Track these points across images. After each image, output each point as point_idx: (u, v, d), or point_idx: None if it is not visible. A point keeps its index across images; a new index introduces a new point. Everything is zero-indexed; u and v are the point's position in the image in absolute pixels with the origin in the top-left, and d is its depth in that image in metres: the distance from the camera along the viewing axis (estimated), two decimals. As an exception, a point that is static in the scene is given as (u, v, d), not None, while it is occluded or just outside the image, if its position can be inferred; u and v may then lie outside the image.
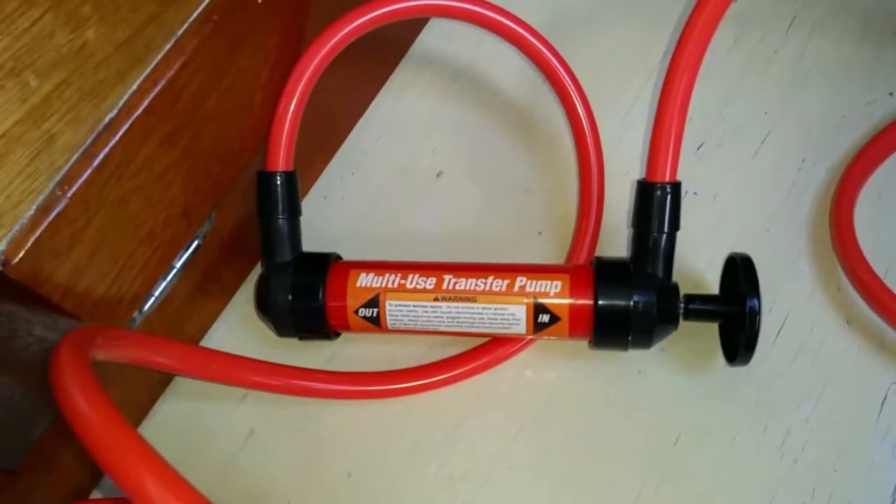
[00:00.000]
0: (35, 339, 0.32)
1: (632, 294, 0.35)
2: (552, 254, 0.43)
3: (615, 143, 0.44)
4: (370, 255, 0.40)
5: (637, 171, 0.44)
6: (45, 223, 0.29)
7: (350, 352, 0.41)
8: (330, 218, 0.45)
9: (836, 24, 0.47)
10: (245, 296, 0.43)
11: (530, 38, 0.39)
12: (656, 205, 0.35)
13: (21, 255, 0.28)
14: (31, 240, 0.28)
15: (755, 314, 0.35)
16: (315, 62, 0.37)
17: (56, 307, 0.31)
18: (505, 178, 0.45)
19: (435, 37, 0.49)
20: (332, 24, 0.37)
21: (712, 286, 0.41)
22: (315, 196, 0.45)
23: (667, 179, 0.35)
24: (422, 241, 0.44)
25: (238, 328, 0.42)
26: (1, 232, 0.28)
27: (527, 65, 0.47)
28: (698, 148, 0.44)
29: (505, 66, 0.48)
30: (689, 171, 0.44)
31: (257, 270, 0.43)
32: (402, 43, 0.48)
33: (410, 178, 0.45)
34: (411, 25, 0.49)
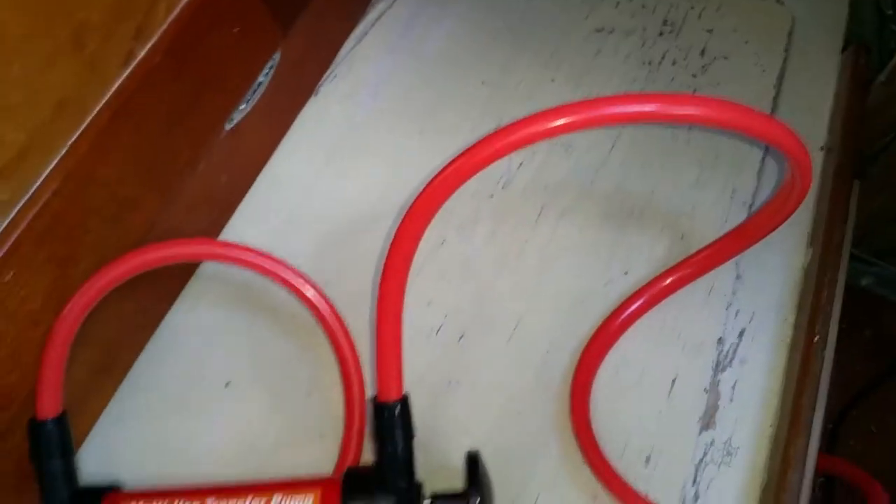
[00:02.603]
0: None
1: (375, 499, 0.39)
2: (332, 454, 0.46)
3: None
4: (162, 474, 0.43)
5: (410, 366, 0.48)
6: None
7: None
8: (121, 440, 0.47)
9: (580, 209, 0.54)
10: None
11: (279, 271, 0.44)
12: (390, 421, 0.40)
13: None
14: None
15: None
16: (72, 317, 0.40)
17: None
18: (289, 383, 0.49)
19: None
20: (83, 285, 0.41)
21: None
22: (105, 420, 0.48)
23: (396, 398, 0.40)
24: (209, 452, 0.47)
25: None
26: None
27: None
28: (459, 339, 0.49)
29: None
30: (453, 361, 0.48)
31: None
32: (188, 265, 0.53)
33: (200, 389, 0.49)
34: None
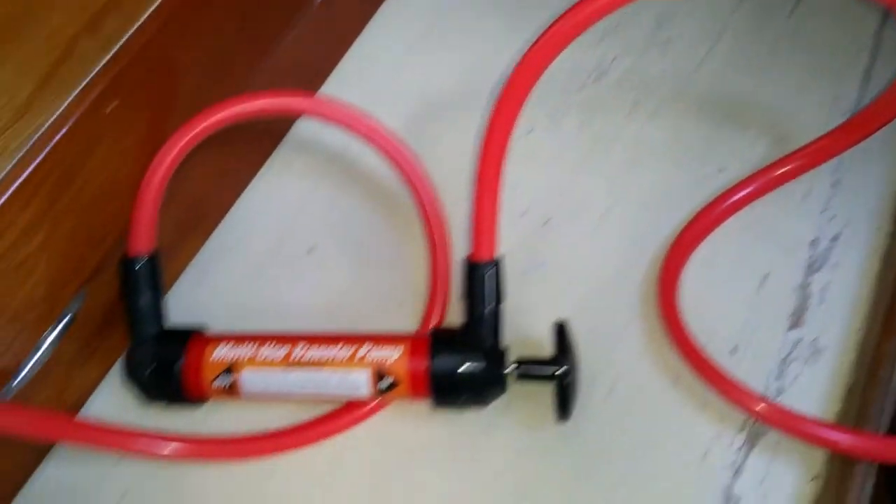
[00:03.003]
0: None
1: (463, 360, 0.39)
2: (411, 323, 0.46)
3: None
4: (244, 328, 0.43)
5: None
6: None
7: (221, 416, 0.44)
8: (206, 292, 0.48)
9: (675, 106, 0.52)
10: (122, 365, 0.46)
11: (376, 133, 0.44)
12: (480, 282, 0.39)
13: None
14: None
15: (571, 375, 0.39)
16: (171, 157, 0.40)
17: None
18: (372, 253, 0.49)
19: (310, 124, 0.53)
20: (187, 123, 0.41)
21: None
22: (192, 271, 0.49)
23: (489, 259, 0.39)
24: (294, 314, 0.47)
25: (119, 394, 0.45)
26: None
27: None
28: (545, 223, 0.49)
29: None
30: (538, 245, 0.48)
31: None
32: (279, 129, 0.53)
33: (284, 253, 0.49)
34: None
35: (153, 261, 0.41)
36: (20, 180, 0.34)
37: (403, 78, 0.55)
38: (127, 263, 0.41)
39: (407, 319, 0.47)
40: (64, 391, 0.43)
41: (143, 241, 0.41)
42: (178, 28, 0.41)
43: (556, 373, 0.39)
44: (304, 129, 0.54)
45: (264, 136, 0.52)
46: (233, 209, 0.51)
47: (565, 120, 0.53)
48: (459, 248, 0.45)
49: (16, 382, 0.39)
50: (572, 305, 0.46)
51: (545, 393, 0.42)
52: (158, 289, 0.42)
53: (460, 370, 0.39)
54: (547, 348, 0.44)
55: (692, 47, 0.55)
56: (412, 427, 0.43)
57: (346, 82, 0.55)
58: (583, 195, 0.50)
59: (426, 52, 0.56)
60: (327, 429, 0.42)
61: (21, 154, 0.34)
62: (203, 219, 0.49)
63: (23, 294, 0.37)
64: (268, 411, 0.44)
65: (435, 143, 0.51)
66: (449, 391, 0.39)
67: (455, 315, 0.45)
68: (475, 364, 0.39)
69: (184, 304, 0.47)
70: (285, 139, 0.53)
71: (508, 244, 0.48)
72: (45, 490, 0.43)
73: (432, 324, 0.44)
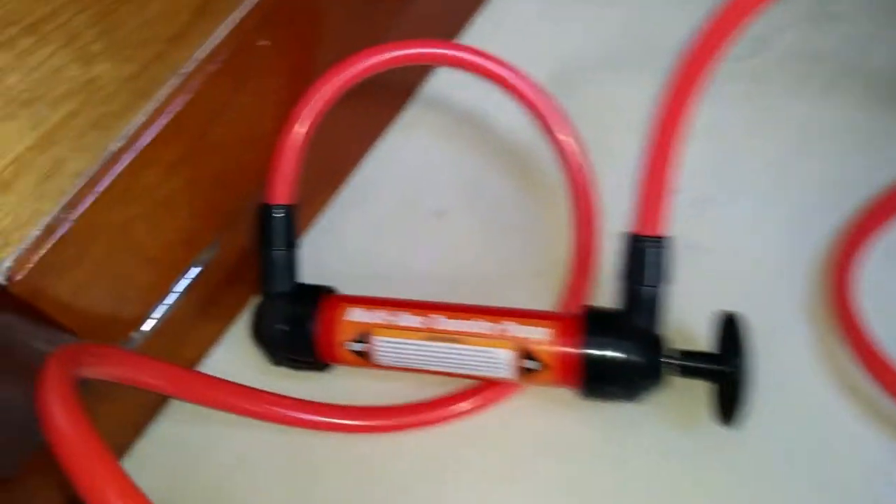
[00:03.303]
0: (35, 351, 0.33)
1: (619, 346, 0.35)
2: (549, 296, 0.43)
3: (618, 197, 0.44)
4: (367, 290, 0.41)
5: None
6: (50, 243, 0.30)
7: (344, 384, 0.42)
8: (330, 251, 0.46)
9: (845, 86, 0.47)
10: (245, 322, 0.44)
11: (524, 87, 0.40)
12: (645, 258, 0.35)
13: (25, 272, 0.30)
14: (35, 258, 0.30)
15: (742, 375, 0.35)
16: (318, 102, 0.38)
17: (55, 323, 0.32)
18: (505, 219, 0.46)
19: (444, 80, 0.50)
20: (335, 66, 0.38)
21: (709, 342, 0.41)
22: (317, 228, 0.46)
23: (655, 233, 0.35)
24: (420, 279, 0.45)
25: (237, 353, 0.43)
26: (7, 249, 0.30)
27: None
28: (702, 203, 0.45)
29: (511, 111, 0.48)
30: (694, 226, 0.44)
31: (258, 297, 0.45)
32: (411, 84, 0.50)
33: (412, 215, 0.46)
34: (420, 68, 0.50)
35: (292, 212, 0.39)
36: (171, 112, 0.32)
37: (542, 34, 0.51)
38: (265, 211, 0.39)
39: (542, 295, 0.43)
40: (182, 345, 0.42)
41: (283, 191, 0.38)
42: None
43: (726, 371, 0.35)
44: (438, 84, 0.51)
45: (396, 90, 0.49)
46: (361, 166, 0.48)
47: (725, 91, 0.48)
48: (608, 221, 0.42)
49: (142, 330, 0.37)
50: (728, 295, 0.42)
51: (698, 388, 0.38)
52: (294, 243, 0.39)
53: (616, 358, 0.35)
54: (698, 340, 0.41)
55: (864, 20, 0.50)
56: (548, 416, 0.40)
57: (481, 38, 0.52)
58: (743, 174, 0.45)
59: (566, 6, 0.52)
60: (457, 409, 0.40)
61: (174, 83, 0.32)
62: (331, 174, 0.47)
63: (163, 236, 0.35)
64: (388, 383, 0.41)
65: (578, 105, 0.47)
66: (601, 380, 0.36)
67: (601, 295, 0.42)
68: (633, 352, 0.35)
69: (306, 262, 0.45)
70: (417, 94, 0.50)
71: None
72: (159, 447, 0.41)
73: (575, 302, 0.41)
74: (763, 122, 0.47)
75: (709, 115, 0.47)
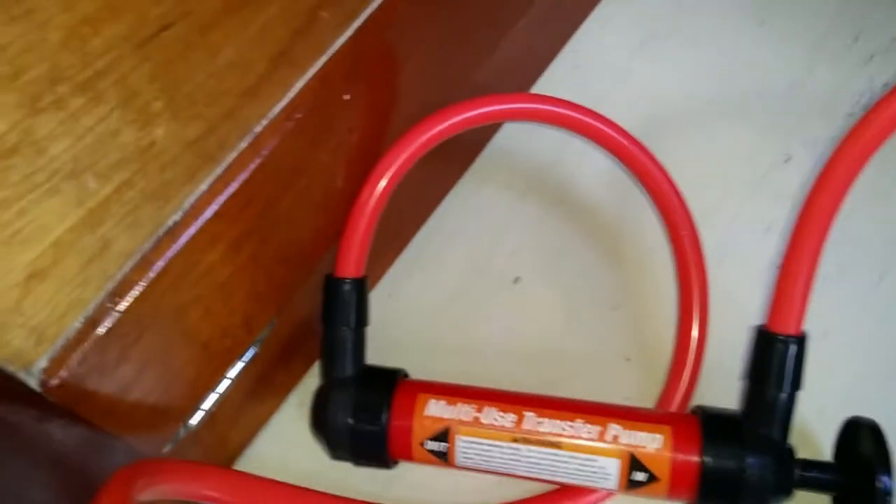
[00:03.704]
0: (71, 456, 0.28)
1: (745, 457, 0.30)
2: (641, 385, 0.38)
3: (715, 264, 0.40)
4: (435, 363, 0.36)
5: (741, 300, 0.39)
6: (92, 338, 0.25)
7: (408, 478, 0.37)
8: (393, 319, 0.41)
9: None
10: (297, 399, 0.39)
11: (631, 148, 0.36)
12: (779, 359, 0.31)
13: (62, 373, 0.25)
14: (75, 357, 0.25)
15: (887, 494, 0.30)
16: (398, 163, 0.33)
17: (95, 427, 0.27)
18: (590, 292, 0.41)
19: (519, 128, 0.45)
20: (421, 122, 0.33)
21: (823, 442, 0.36)
22: (378, 294, 0.41)
23: (793, 332, 0.31)
24: (493, 354, 0.40)
25: (286, 437, 0.38)
26: (42, 347, 0.25)
27: (614, 167, 0.43)
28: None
29: (593, 165, 0.44)
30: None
31: (312, 372, 0.40)
32: (484, 133, 0.45)
33: (484, 281, 0.41)
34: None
35: (362, 286, 0.34)
36: (240, 179, 0.27)
37: (625, 82, 0.46)
38: (333, 285, 0.34)
39: (631, 383, 0.38)
40: (229, 432, 0.36)
41: (354, 262, 0.33)
42: (411, 12, 0.33)
43: (869, 488, 0.30)
44: (511, 130, 0.46)
45: (466, 142, 0.44)
46: (427, 224, 0.43)
47: (830, 150, 0.43)
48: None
49: (192, 423, 0.32)
50: (844, 386, 0.37)
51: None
52: (363, 320, 0.34)
53: (744, 470, 0.30)
54: (811, 441, 0.36)
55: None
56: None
57: (557, 85, 0.47)
58: (854, 247, 0.41)
59: (653, 50, 0.47)
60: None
61: (244, 145, 0.27)
62: (393, 235, 0.41)
63: (220, 320, 0.30)
64: (459, 479, 0.36)
65: (669, 158, 0.42)
66: (722, 495, 0.31)
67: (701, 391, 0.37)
68: (762, 464, 0.30)
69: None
70: (487, 146, 0.45)
71: (759, 301, 0.39)
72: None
73: (677, 398, 0.36)
74: (873, 189, 0.42)
75: (812, 176, 0.43)
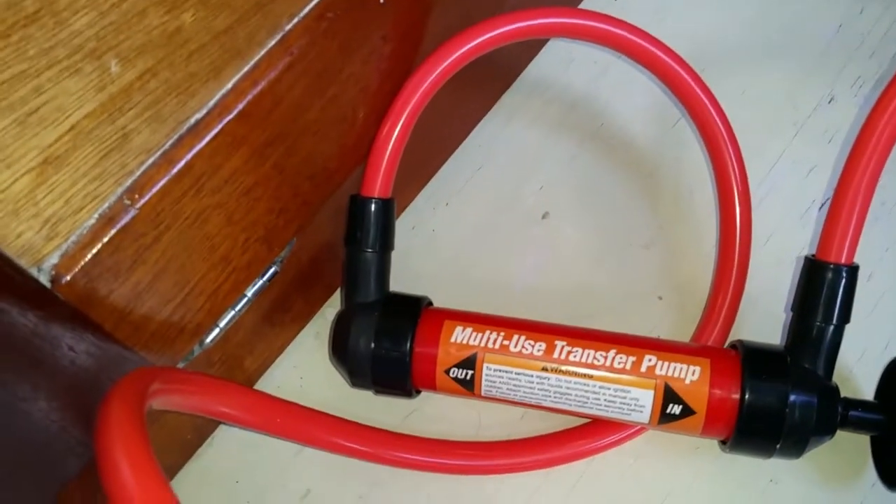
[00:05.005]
0: (80, 368, 0.27)
1: (789, 393, 0.29)
2: (673, 324, 0.37)
3: (755, 203, 0.38)
4: (459, 299, 0.35)
5: (781, 238, 0.38)
6: (107, 236, 0.24)
7: (429, 411, 0.35)
8: (417, 251, 0.39)
9: None
10: (315, 329, 0.38)
11: (685, 75, 0.34)
12: (828, 290, 0.29)
13: (75, 271, 0.24)
14: (89, 255, 0.24)
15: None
16: (431, 78, 0.31)
17: (107, 335, 0.26)
18: (622, 229, 0.39)
19: (553, 59, 0.44)
20: (455, 37, 0.31)
21: (863, 385, 0.34)
22: (403, 225, 0.40)
23: (844, 261, 0.29)
24: (521, 291, 0.38)
25: (303, 367, 0.37)
26: (55, 242, 0.23)
27: (654, 101, 0.41)
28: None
29: (630, 99, 0.42)
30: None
31: (331, 302, 0.39)
32: (517, 62, 0.43)
33: (511, 216, 0.40)
34: (529, 44, 0.44)
35: (389, 207, 0.32)
36: (268, 78, 0.26)
37: (665, 17, 0.44)
38: (359, 204, 0.32)
39: (665, 320, 0.37)
40: (244, 357, 0.35)
41: (382, 181, 0.32)
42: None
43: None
44: (544, 61, 0.44)
45: (498, 69, 0.42)
46: (454, 157, 0.41)
47: (876, 92, 0.41)
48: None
49: (210, 339, 0.30)
50: (889, 328, 0.36)
51: (849, 442, 0.32)
52: (389, 244, 0.33)
53: (786, 407, 0.29)
54: (852, 382, 0.34)
55: None
56: (672, 466, 0.34)
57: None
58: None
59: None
60: (568, 453, 0.33)
61: (274, 42, 0.26)
62: (419, 166, 0.40)
63: (241, 231, 0.28)
64: (482, 411, 0.35)
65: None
66: (762, 432, 0.29)
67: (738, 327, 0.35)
68: (806, 401, 0.29)
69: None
70: (519, 77, 0.43)
71: (798, 244, 0.38)
72: (212, 472, 0.35)
73: (714, 332, 0.34)
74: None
75: (857, 117, 0.41)
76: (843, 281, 0.29)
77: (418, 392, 0.34)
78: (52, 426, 0.26)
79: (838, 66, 0.42)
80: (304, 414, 0.31)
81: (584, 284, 0.38)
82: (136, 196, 0.24)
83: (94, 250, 0.24)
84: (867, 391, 0.34)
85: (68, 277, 0.23)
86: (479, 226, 0.40)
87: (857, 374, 0.35)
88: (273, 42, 0.26)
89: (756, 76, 0.42)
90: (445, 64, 0.31)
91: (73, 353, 0.26)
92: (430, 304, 0.34)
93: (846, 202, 0.28)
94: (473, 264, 0.39)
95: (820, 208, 0.39)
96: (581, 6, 0.45)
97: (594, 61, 0.43)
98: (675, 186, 0.40)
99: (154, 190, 0.25)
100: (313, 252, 0.35)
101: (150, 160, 0.25)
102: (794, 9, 0.44)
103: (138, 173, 0.24)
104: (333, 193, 0.32)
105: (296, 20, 0.26)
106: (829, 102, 0.41)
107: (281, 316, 0.36)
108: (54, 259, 0.23)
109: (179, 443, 0.34)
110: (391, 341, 0.32)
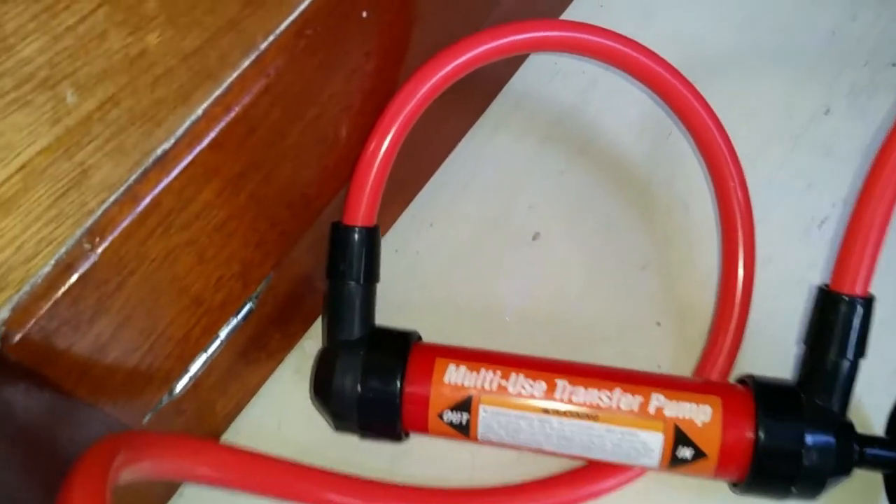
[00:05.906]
0: (37, 431, 0.24)
1: (804, 432, 0.27)
2: (672, 352, 0.35)
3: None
4: (445, 326, 0.32)
5: (783, 260, 0.36)
6: (65, 285, 0.21)
7: (418, 452, 0.33)
8: (401, 276, 0.37)
9: None
10: (294, 363, 0.35)
11: (678, 85, 0.32)
12: (843, 322, 0.27)
13: (28, 326, 0.21)
14: (44, 308, 0.21)
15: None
16: (418, 96, 0.29)
17: (67, 393, 0.23)
18: (616, 249, 0.37)
19: (539, 69, 0.41)
20: (445, 50, 0.29)
21: (871, 418, 0.33)
22: (385, 248, 0.37)
23: (859, 292, 0.27)
24: (509, 316, 0.36)
25: (281, 406, 0.34)
26: (5, 293, 0.21)
27: (645, 112, 0.39)
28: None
29: (620, 112, 0.40)
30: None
31: (310, 334, 0.36)
32: (501, 73, 0.41)
33: (499, 237, 0.38)
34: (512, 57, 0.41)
35: (373, 236, 0.30)
36: (243, 102, 0.23)
37: (652, 23, 0.42)
38: (341, 234, 0.30)
39: (663, 350, 0.35)
40: (216, 401, 0.32)
41: (365, 208, 0.29)
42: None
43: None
44: (530, 73, 0.41)
45: (482, 82, 0.40)
46: (437, 175, 0.39)
47: (873, 100, 0.40)
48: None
49: (180, 387, 0.28)
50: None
51: (860, 478, 0.31)
52: (374, 274, 0.31)
53: (802, 448, 0.27)
54: (859, 413, 0.33)
55: None
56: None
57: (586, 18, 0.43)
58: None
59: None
60: (572, 497, 0.31)
61: (249, 62, 0.23)
62: (406, 181, 0.37)
63: (214, 270, 0.26)
64: (475, 454, 0.33)
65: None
66: (778, 474, 0.28)
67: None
68: (822, 441, 0.27)
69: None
70: (504, 89, 0.41)
71: (800, 261, 0.36)
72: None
73: (718, 365, 0.32)
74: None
75: (854, 130, 0.40)
76: (859, 314, 0.27)
77: (407, 436, 0.31)
78: (3, 502, 0.23)
79: (832, 75, 0.41)
80: (286, 469, 0.28)
81: (577, 310, 0.36)
82: (97, 239, 0.21)
83: (51, 302, 0.21)
84: (874, 423, 0.32)
85: (19, 336, 0.21)
86: (466, 248, 0.37)
87: (864, 405, 0.33)
88: (247, 63, 0.23)
89: (747, 86, 0.40)
90: (435, 80, 0.29)
91: (29, 413, 0.23)
92: (420, 338, 0.32)
93: (861, 233, 0.27)
94: (460, 289, 0.37)
95: (820, 226, 0.37)
96: (567, 10, 0.43)
97: (582, 71, 0.41)
98: (670, 202, 0.38)
99: (117, 231, 0.22)
100: (291, 284, 0.32)
101: (113, 197, 0.22)
102: (785, 15, 0.42)
103: (99, 213, 0.22)
104: (314, 221, 0.30)
105: (272, 38, 0.24)
106: (826, 114, 0.40)
107: (257, 353, 0.33)
108: (4, 313, 0.21)
109: (148, 498, 0.32)
110: (379, 382, 0.29)
